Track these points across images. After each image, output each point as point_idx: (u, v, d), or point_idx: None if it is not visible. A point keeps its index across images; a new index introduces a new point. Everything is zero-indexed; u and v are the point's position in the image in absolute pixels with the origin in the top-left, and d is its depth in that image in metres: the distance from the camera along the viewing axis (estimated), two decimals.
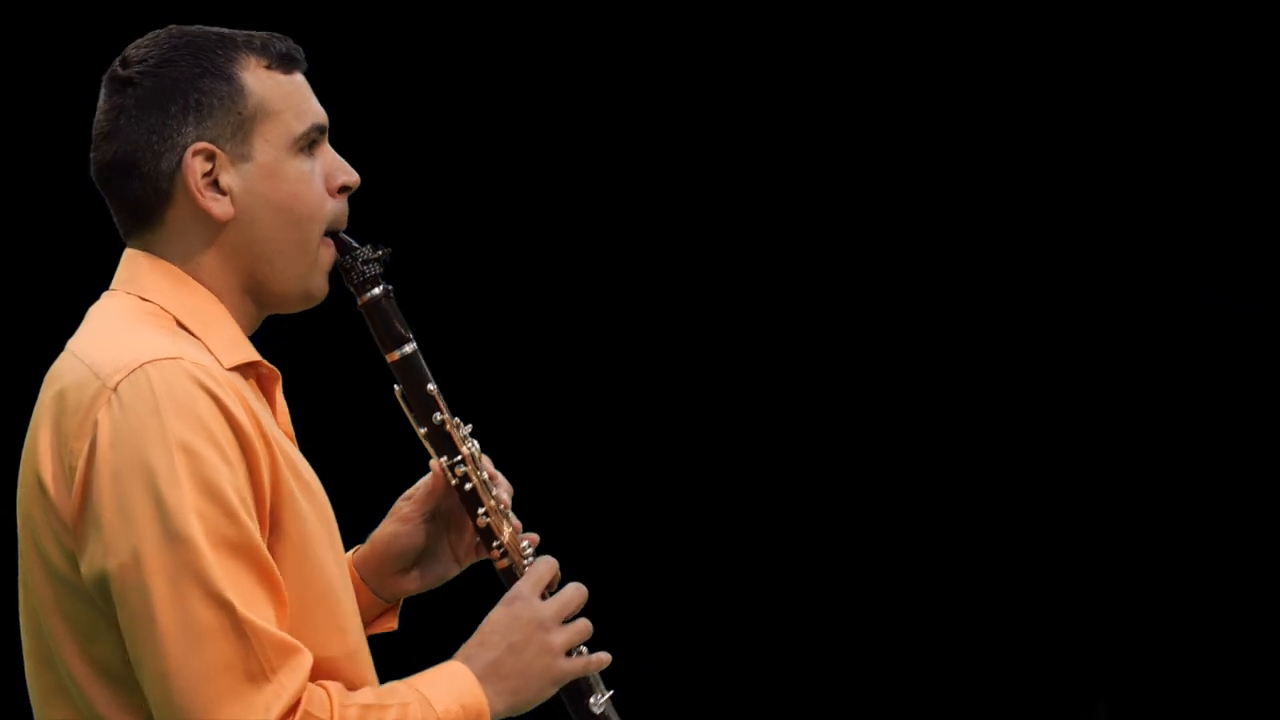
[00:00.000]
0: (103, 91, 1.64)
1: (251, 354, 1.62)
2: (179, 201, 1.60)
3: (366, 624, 1.72)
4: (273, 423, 1.60)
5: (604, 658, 1.69)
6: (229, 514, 1.47)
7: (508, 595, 1.68)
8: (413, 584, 1.83)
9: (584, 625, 1.68)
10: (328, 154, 1.66)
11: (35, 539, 1.53)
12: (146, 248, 1.63)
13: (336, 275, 1.70)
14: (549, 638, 1.65)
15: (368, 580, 1.81)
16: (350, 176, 1.67)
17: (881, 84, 4.42)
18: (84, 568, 1.48)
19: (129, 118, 1.61)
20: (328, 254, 1.66)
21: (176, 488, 1.45)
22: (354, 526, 1.89)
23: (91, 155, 1.64)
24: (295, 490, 1.56)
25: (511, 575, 1.73)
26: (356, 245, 1.68)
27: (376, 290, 1.69)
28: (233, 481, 1.48)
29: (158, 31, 1.65)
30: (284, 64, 1.65)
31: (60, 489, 1.50)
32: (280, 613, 1.50)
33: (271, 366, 1.66)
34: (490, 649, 1.62)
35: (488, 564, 1.78)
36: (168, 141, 1.60)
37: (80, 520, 1.48)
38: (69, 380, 1.52)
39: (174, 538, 1.45)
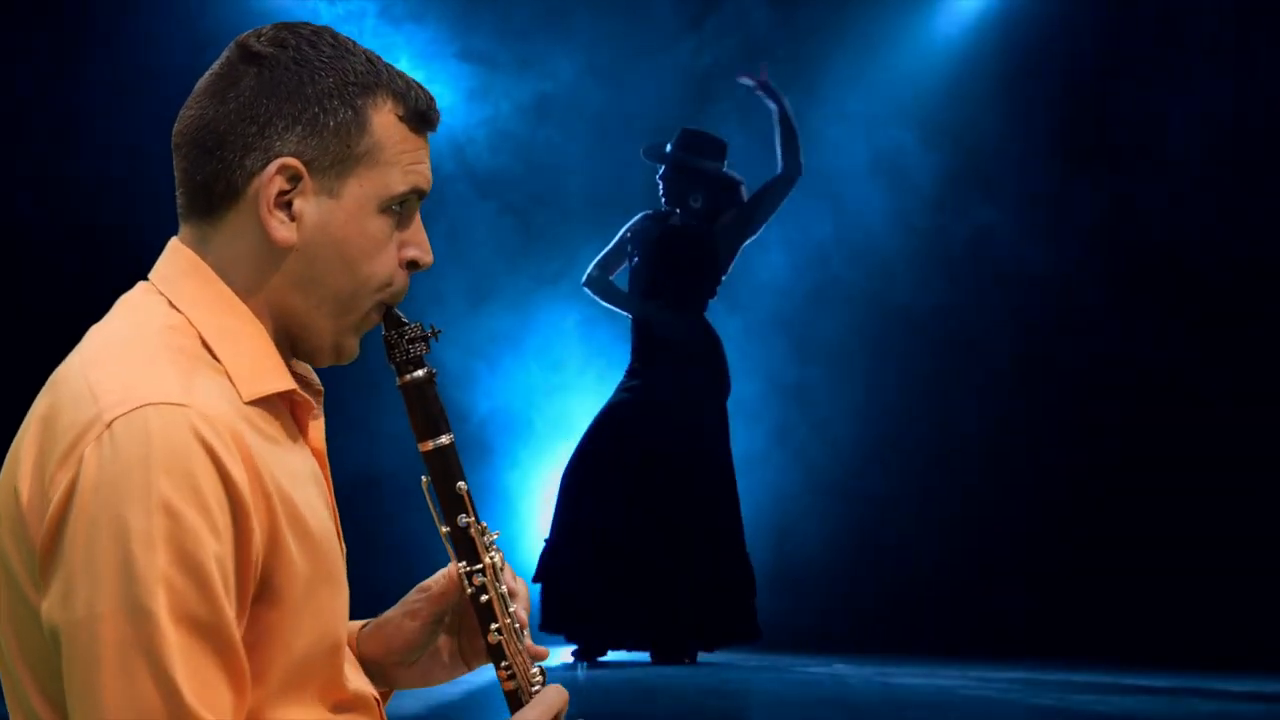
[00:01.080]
0: (226, 52, 1.52)
1: (282, 383, 1.51)
2: (245, 206, 1.49)
3: None
4: (288, 462, 1.49)
5: None
6: (203, 590, 1.36)
7: (514, 718, 1.58)
8: (412, 679, 1.74)
9: None
10: (414, 225, 1.56)
11: (1, 544, 1.43)
12: (196, 242, 1.52)
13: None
14: None
15: (366, 660, 1.71)
16: (426, 256, 1.56)
17: None
18: (43, 610, 1.38)
19: (239, 95, 1.48)
20: (374, 320, 1.57)
21: (150, 552, 1.34)
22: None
23: (181, 112, 1.52)
24: (294, 550, 1.46)
25: (516, 699, 1.62)
26: (407, 322, 1.58)
27: (420, 373, 1.60)
28: (216, 554, 1.37)
29: (312, 25, 1.53)
30: (417, 120, 1.54)
31: (34, 513, 1.39)
32: (239, 703, 1.39)
33: (306, 396, 1.55)
34: None
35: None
36: (264, 140, 1.48)
37: (46, 557, 1.38)
38: (66, 396, 1.42)
39: (135, 607, 1.33)
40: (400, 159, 1.52)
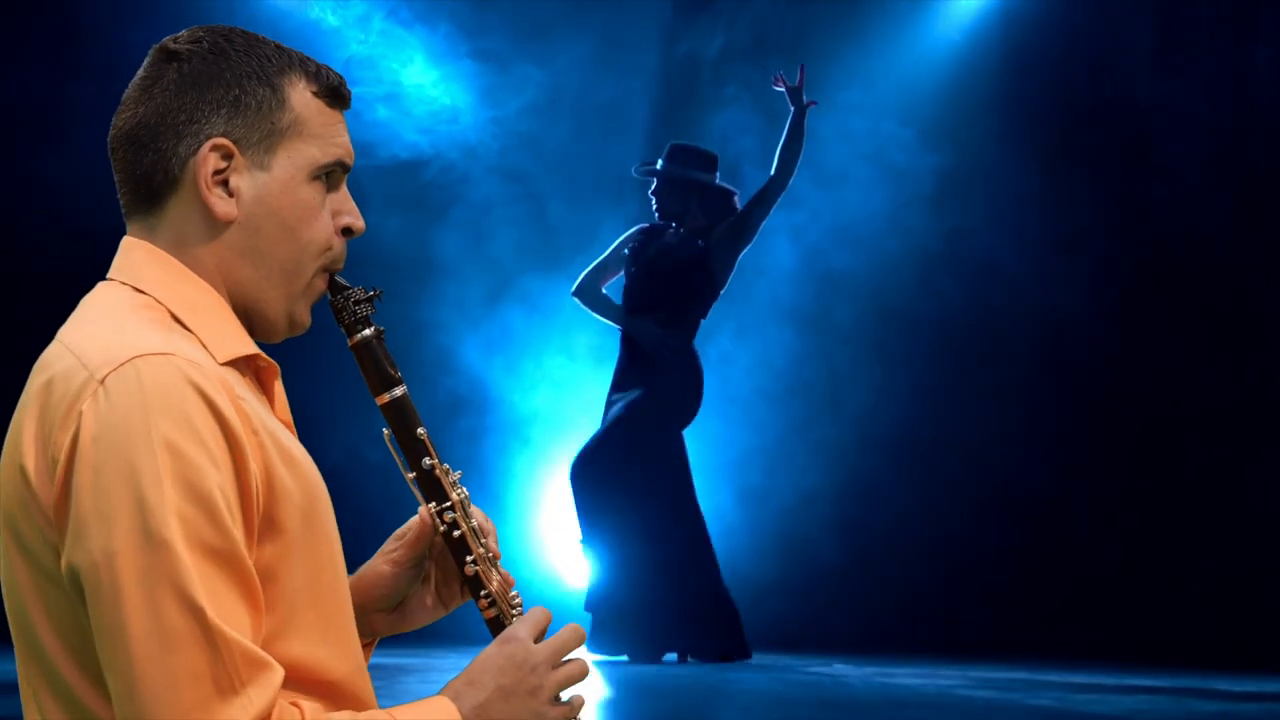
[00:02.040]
0: (147, 60, 1.62)
1: (248, 347, 1.60)
2: (184, 190, 1.58)
3: None
4: (268, 415, 1.57)
5: (579, 700, 1.65)
6: (212, 518, 1.43)
7: (503, 635, 1.64)
8: (394, 625, 1.81)
9: (580, 667, 1.65)
10: (342, 194, 1.66)
11: (16, 530, 1.49)
12: (145, 234, 1.61)
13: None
14: (540, 683, 1.61)
15: None
16: (357, 221, 1.66)
17: None
18: (62, 561, 1.44)
19: (164, 90, 1.58)
20: (319, 287, 1.66)
21: (158, 488, 1.41)
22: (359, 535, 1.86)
23: (114, 119, 1.61)
24: (289, 482, 1.52)
25: (499, 624, 1.70)
26: (349, 286, 1.68)
27: (368, 331, 1.69)
28: (219, 484, 1.44)
29: (221, 25, 1.64)
30: (331, 96, 1.64)
31: (43, 479, 1.46)
32: (256, 624, 1.46)
33: (270, 360, 1.64)
34: (479, 689, 1.59)
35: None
36: (193, 126, 1.57)
37: (60, 513, 1.44)
38: (57, 370, 1.49)
39: (151, 539, 1.40)
40: (322, 132, 1.62)
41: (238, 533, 1.45)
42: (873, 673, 6.51)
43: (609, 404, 6.91)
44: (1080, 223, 8.22)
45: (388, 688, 5.06)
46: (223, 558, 1.44)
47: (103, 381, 1.45)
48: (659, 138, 7.70)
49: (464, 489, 1.73)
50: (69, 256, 7.34)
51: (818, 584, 8.06)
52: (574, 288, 7.06)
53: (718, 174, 6.96)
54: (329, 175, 1.64)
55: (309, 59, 1.64)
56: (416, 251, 8.04)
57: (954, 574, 8.08)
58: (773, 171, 6.91)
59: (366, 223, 1.69)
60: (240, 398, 1.51)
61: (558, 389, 8.22)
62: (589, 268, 7.03)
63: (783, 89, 6.96)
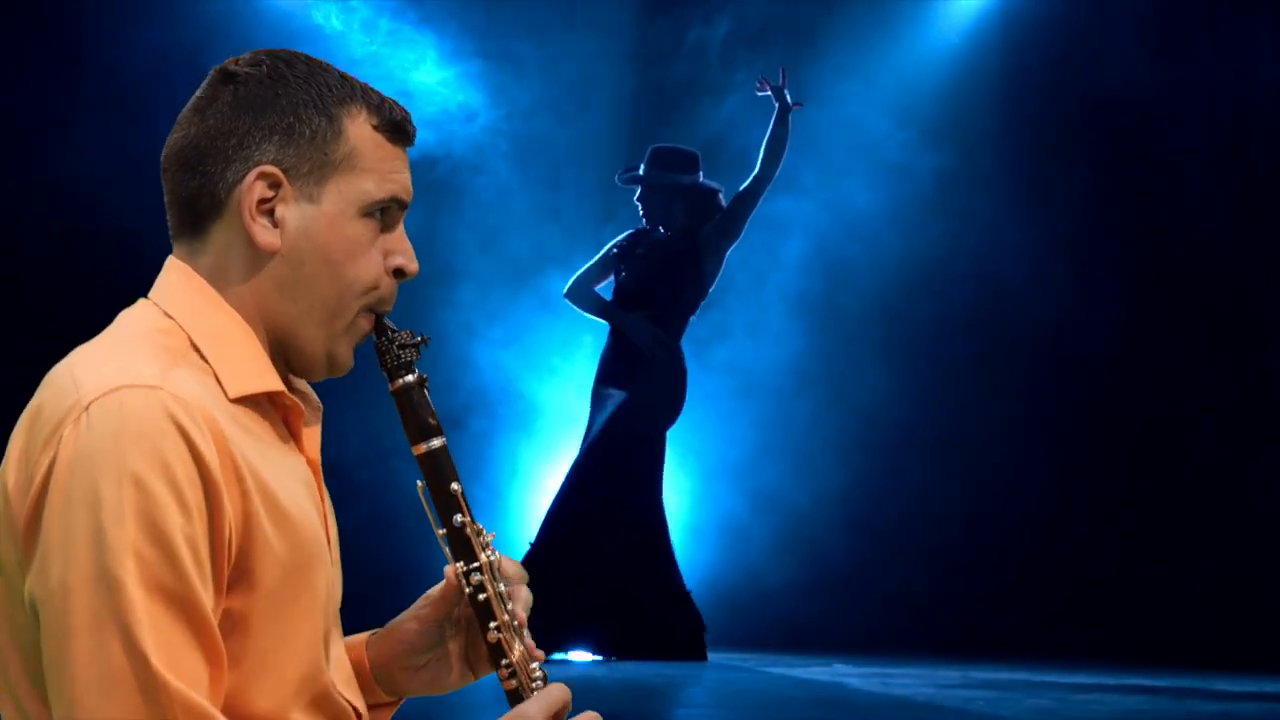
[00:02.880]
0: (208, 78, 1.57)
1: (268, 384, 1.53)
2: (229, 217, 1.53)
3: None
4: (272, 459, 1.51)
5: None
6: (170, 560, 1.38)
7: (515, 711, 1.58)
8: (420, 685, 1.73)
9: None
10: (397, 233, 1.59)
11: None
12: (187, 258, 1.56)
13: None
14: None
15: (375, 667, 1.71)
16: (411, 264, 1.59)
17: None
18: (26, 585, 1.41)
19: (218, 113, 1.53)
20: (364, 327, 1.59)
21: (119, 524, 1.37)
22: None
23: (168, 137, 1.57)
24: (271, 535, 1.47)
25: (517, 697, 1.62)
26: (395, 329, 1.61)
27: (410, 378, 1.62)
28: (184, 528, 1.39)
29: (285, 50, 1.58)
30: (392, 131, 1.58)
31: (19, 498, 1.42)
32: (214, 673, 1.41)
33: (295, 400, 1.57)
34: None
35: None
36: (243, 151, 1.52)
37: (29, 536, 1.41)
38: (52, 389, 1.46)
39: (105, 577, 1.36)
40: (378, 166, 1.56)
41: (197, 578, 1.40)
42: (873, 673, 6.51)
43: (597, 395, 6.94)
44: (1080, 223, 8.22)
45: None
46: (177, 602, 1.39)
47: (87, 408, 1.41)
48: (667, 132, 7.72)
49: (496, 551, 1.65)
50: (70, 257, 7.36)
51: (818, 584, 8.06)
52: (565, 289, 7.11)
53: (700, 173, 7.00)
54: (384, 213, 1.57)
55: (373, 91, 1.58)
56: (425, 248, 8.05)
57: (954, 574, 8.08)
58: (757, 169, 6.97)
59: None
60: (230, 441, 1.45)
61: (568, 385, 8.23)
62: (579, 271, 7.09)
63: (767, 92, 7.02)
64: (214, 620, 1.41)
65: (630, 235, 7.06)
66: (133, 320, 1.54)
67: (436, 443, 1.63)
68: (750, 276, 7.81)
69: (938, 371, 8.34)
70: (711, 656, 6.78)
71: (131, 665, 1.36)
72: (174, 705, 1.37)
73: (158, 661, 1.36)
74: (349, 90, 1.56)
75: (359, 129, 1.56)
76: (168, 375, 1.45)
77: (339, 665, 1.61)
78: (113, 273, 5.33)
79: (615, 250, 7.04)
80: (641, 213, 7.03)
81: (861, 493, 8.19)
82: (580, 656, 6.68)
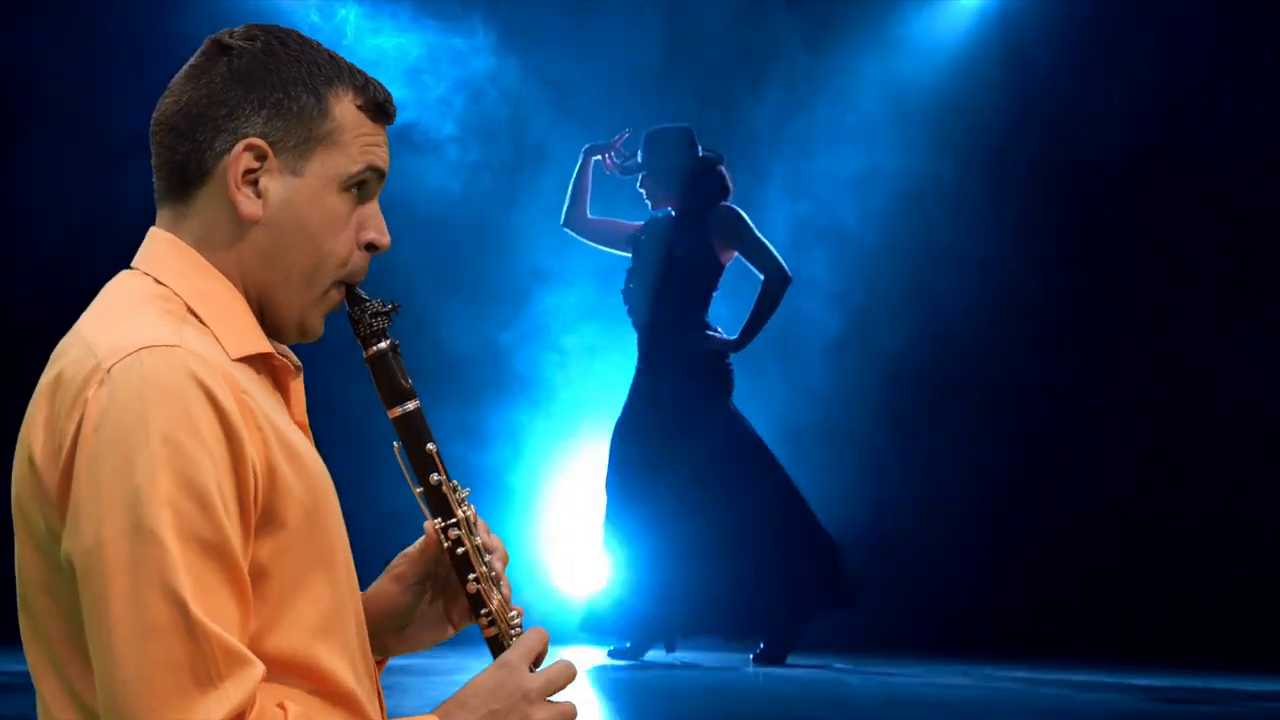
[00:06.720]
0: (201, 47, 1.64)
1: (263, 345, 1.61)
2: (215, 185, 1.60)
3: None
4: (277, 413, 1.57)
5: None
6: (205, 510, 1.44)
7: (498, 660, 1.65)
8: (403, 644, 1.82)
9: (569, 708, 1.65)
10: (371, 207, 1.67)
11: (25, 516, 1.51)
12: (172, 225, 1.62)
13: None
14: (531, 711, 1.62)
15: None
16: (382, 237, 1.67)
17: None
18: (62, 547, 1.46)
19: (210, 83, 1.60)
20: (335, 298, 1.67)
21: (151, 479, 1.42)
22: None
23: (159, 101, 1.64)
24: (292, 478, 1.53)
25: (498, 644, 1.70)
26: (367, 298, 1.69)
27: (383, 344, 1.70)
28: (215, 478, 1.45)
29: (279, 26, 1.65)
30: (374, 111, 1.65)
31: (49, 466, 1.47)
32: (244, 619, 1.47)
33: (285, 359, 1.65)
34: (469, 711, 1.60)
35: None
36: (232, 122, 1.59)
37: (62, 499, 1.46)
38: (68, 359, 1.50)
39: (140, 530, 1.41)
40: (358, 140, 1.63)
41: (231, 528, 1.46)
42: (873, 672, 6.51)
43: (633, 393, 6.86)
44: (1081, 223, 8.21)
45: (386, 687, 5.05)
46: (214, 551, 1.44)
47: (109, 370, 1.46)
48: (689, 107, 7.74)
49: (471, 506, 1.73)
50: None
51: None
52: (562, 220, 7.10)
53: (699, 147, 6.93)
54: (361, 186, 1.65)
55: (359, 71, 1.66)
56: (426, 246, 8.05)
57: (953, 574, 8.07)
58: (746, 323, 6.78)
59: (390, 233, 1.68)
60: (246, 393, 1.51)
61: (574, 368, 8.23)
62: (566, 202, 7.05)
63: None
64: (244, 566, 1.47)
65: (644, 230, 6.96)
66: (126, 288, 1.59)
67: (410, 405, 1.71)
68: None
69: (938, 372, 8.34)
70: (711, 656, 6.77)
71: (171, 612, 1.41)
72: (214, 649, 1.42)
73: (197, 608, 1.41)
74: (337, 70, 1.64)
75: (343, 107, 1.63)
76: (181, 334, 1.51)
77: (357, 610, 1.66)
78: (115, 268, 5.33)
79: (628, 236, 7.00)
80: (646, 197, 6.98)
81: (861, 493, 8.19)
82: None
